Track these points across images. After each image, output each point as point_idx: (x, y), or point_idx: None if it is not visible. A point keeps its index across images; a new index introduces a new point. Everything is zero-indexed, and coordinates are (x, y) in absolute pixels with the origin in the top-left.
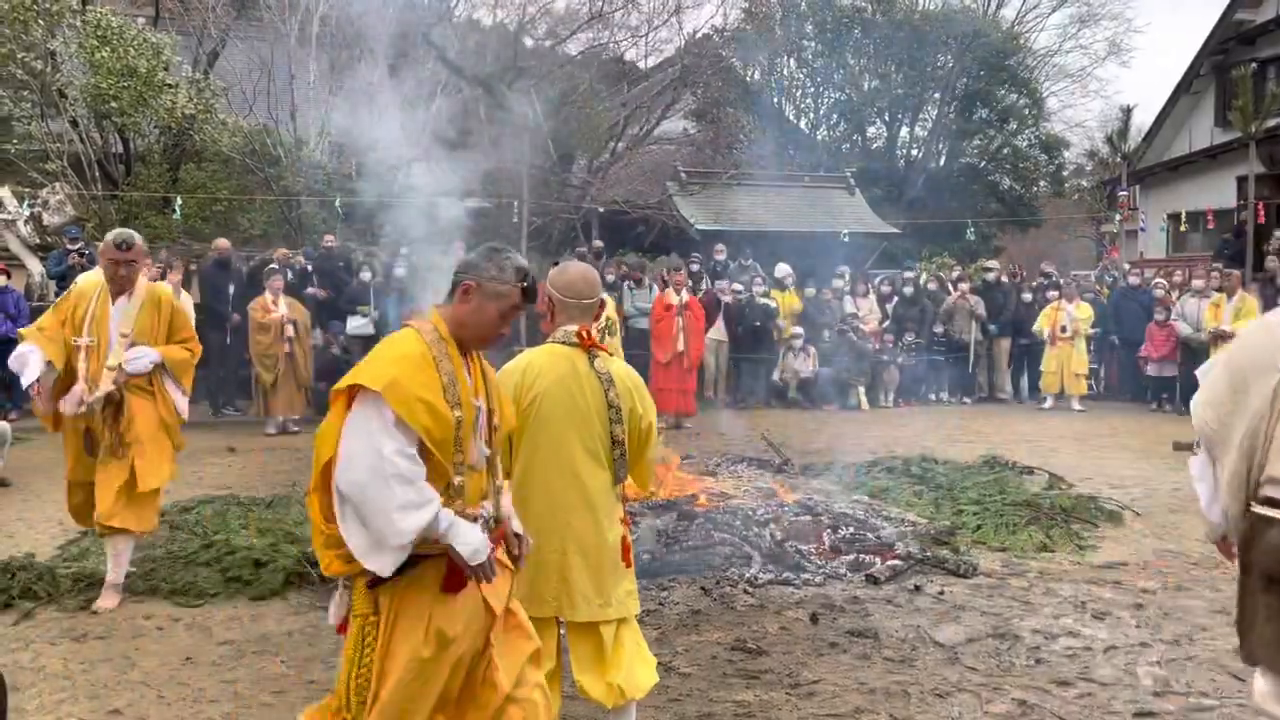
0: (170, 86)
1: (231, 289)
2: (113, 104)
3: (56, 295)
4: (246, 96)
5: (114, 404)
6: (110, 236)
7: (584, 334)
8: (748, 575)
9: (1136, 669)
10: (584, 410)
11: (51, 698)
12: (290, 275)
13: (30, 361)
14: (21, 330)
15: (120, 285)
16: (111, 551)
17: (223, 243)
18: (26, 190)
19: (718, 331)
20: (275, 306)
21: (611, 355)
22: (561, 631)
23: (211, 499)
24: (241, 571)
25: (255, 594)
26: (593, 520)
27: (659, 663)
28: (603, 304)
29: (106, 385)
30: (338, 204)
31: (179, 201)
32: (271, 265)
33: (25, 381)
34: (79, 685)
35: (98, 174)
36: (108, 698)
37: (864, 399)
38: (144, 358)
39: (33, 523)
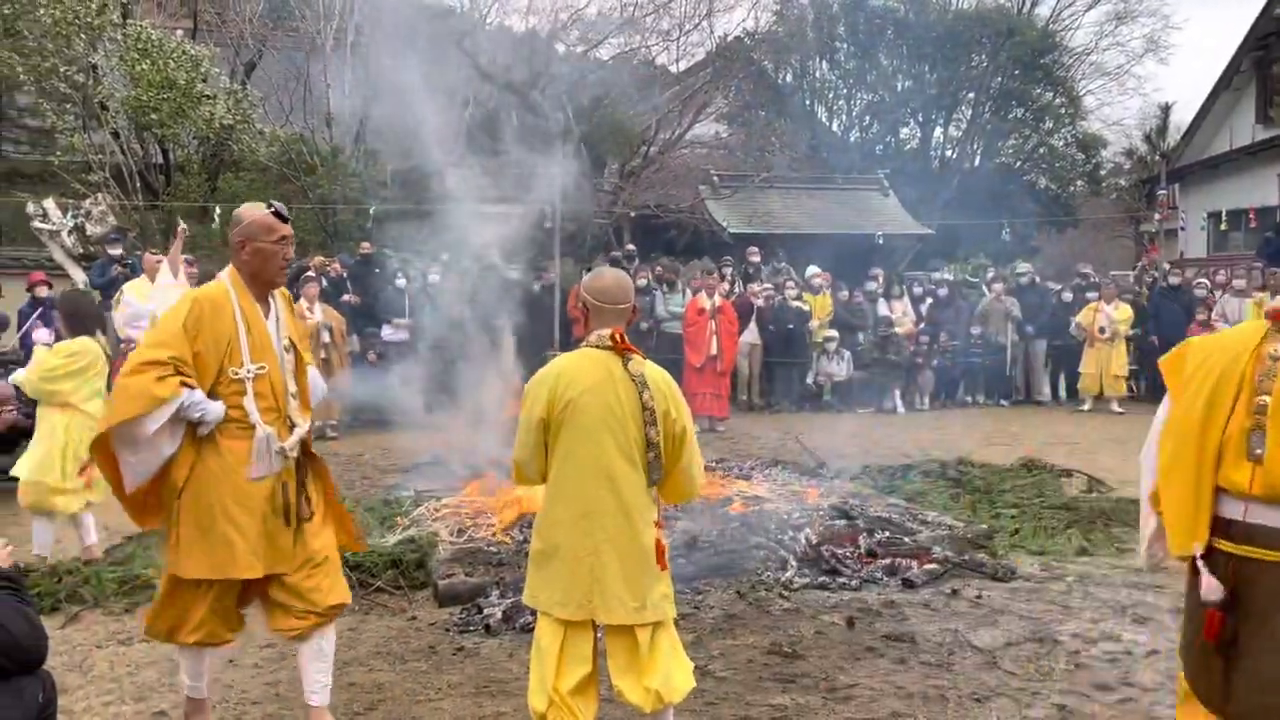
0: (209, 98)
1: None
2: (153, 116)
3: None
4: (283, 106)
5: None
6: (253, 208)
7: (617, 337)
8: (783, 579)
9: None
10: (619, 413)
11: (99, 699)
12: (326, 282)
13: (212, 411)
14: (144, 368)
15: (274, 279)
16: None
17: None
18: (70, 201)
19: (751, 335)
20: (310, 313)
21: (645, 358)
22: (599, 635)
23: None
24: None
25: None
26: (627, 523)
27: (695, 666)
28: (636, 309)
29: (303, 425)
30: (372, 211)
31: (217, 210)
32: (308, 272)
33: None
34: (125, 688)
35: (138, 185)
36: (153, 700)
37: (899, 402)
38: (318, 387)
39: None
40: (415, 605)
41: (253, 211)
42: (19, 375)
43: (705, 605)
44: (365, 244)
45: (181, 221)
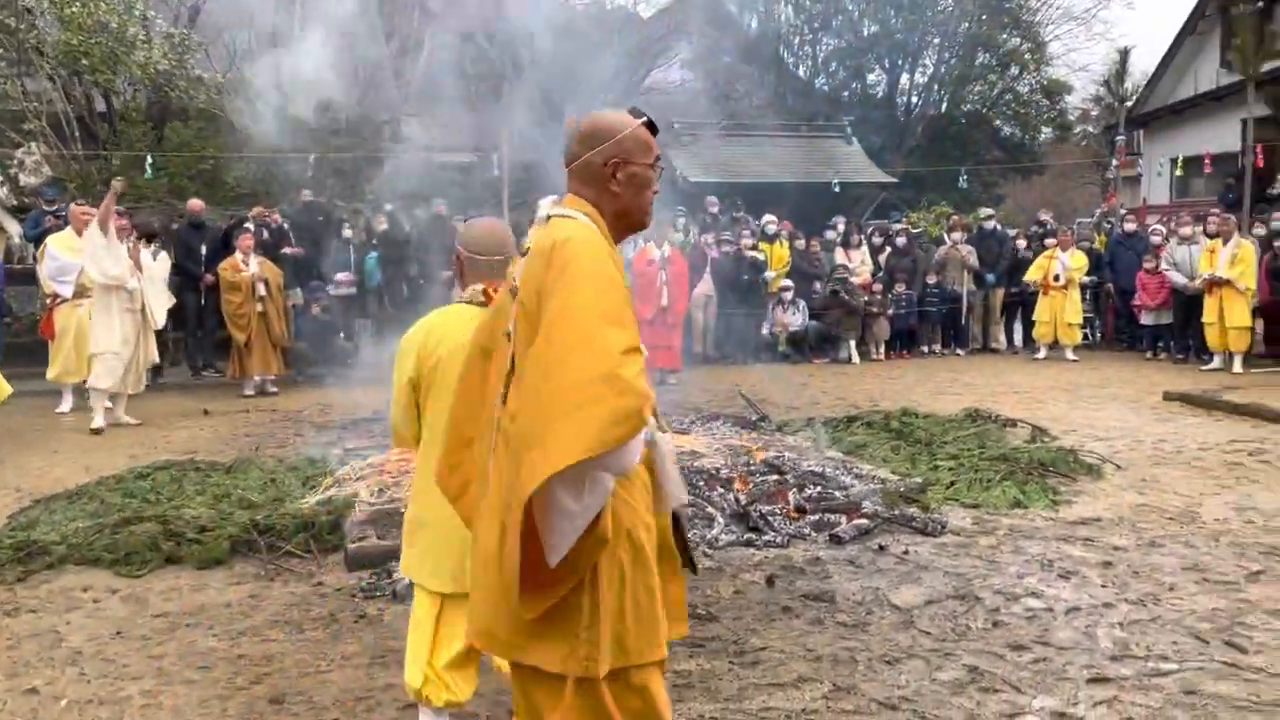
0: (144, 42)
1: (204, 249)
2: (84, 61)
3: (34, 259)
4: (230, 53)
5: None
6: (620, 116)
7: (491, 292)
8: (708, 537)
9: (1096, 631)
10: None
11: None
12: (267, 234)
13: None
14: (632, 357)
15: (644, 220)
16: None
17: (196, 204)
18: (2, 151)
19: (705, 286)
20: (245, 265)
21: None
22: None
23: (171, 464)
24: (186, 539)
25: (199, 563)
26: None
27: None
28: (516, 262)
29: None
30: (311, 159)
31: (150, 161)
32: (245, 224)
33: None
34: (1, 662)
35: (77, 133)
36: (27, 675)
37: (854, 352)
38: None
39: None
40: (324, 570)
41: (623, 121)
42: None
43: None
44: (305, 192)
45: (117, 178)
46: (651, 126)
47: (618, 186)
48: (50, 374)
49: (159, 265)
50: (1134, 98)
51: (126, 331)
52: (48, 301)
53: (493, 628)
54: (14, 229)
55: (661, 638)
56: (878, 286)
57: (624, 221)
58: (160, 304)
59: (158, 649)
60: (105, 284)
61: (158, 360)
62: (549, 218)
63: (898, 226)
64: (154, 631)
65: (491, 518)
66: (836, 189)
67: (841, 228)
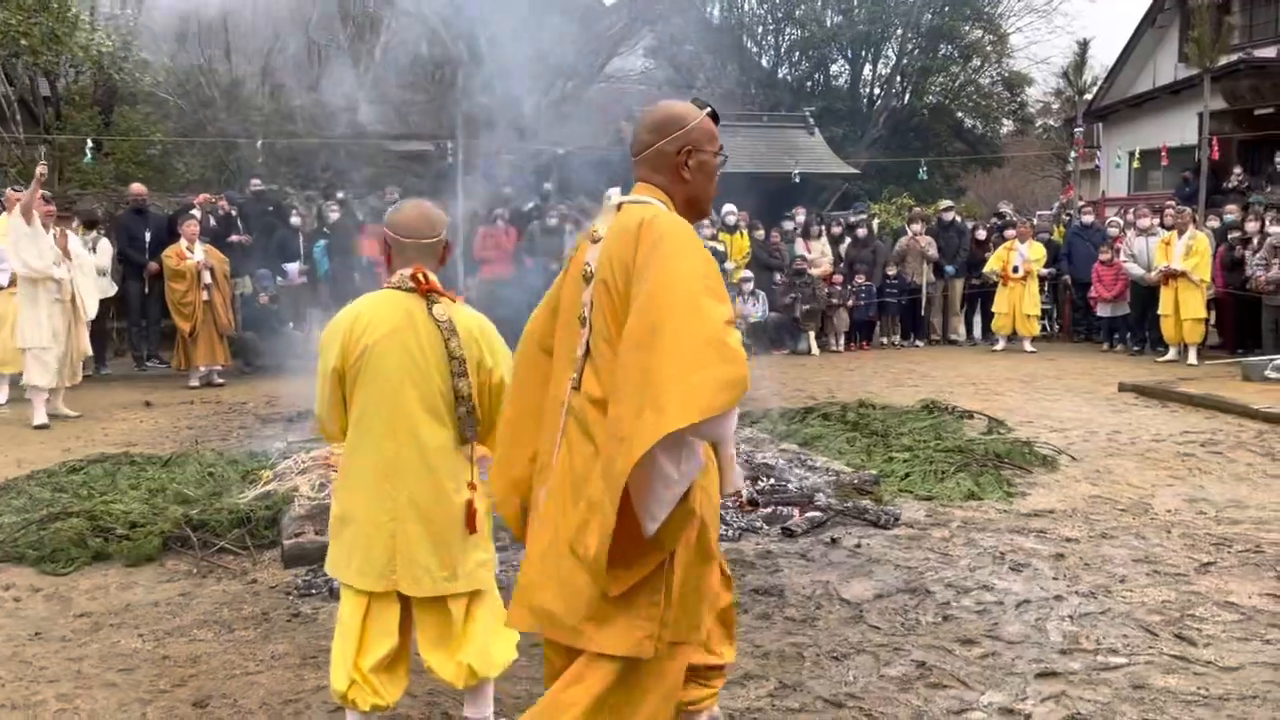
0: (86, 23)
1: (149, 236)
2: (24, 42)
3: None
4: (180, 35)
5: None
6: (688, 107)
7: (420, 277)
8: None
9: (1047, 624)
10: (420, 362)
11: None
12: (214, 221)
13: None
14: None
15: (708, 209)
16: None
17: (138, 188)
18: None
19: None
20: (190, 253)
21: (456, 300)
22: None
23: (105, 457)
24: (115, 536)
25: (129, 560)
26: (432, 484)
27: None
28: (448, 246)
29: None
30: (259, 144)
31: (90, 145)
32: (191, 210)
33: None
34: None
35: (19, 116)
36: None
37: (814, 343)
38: None
39: None
40: (260, 567)
41: (691, 111)
42: None
43: None
44: (255, 180)
45: (41, 163)
46: (714, 117)
47: (688, 173)
48: None
49: (92, 254)
50: (1093, 90)
51: (56, 324)
52: None
53: (555, 611)
54: None
55: (703, 622)
56: (838, 278)
57: (693, 208)
58: (92, 294)
59: (78, 650)
60: (29, 275)
61: (89, 352)
62: (619, 206)
63: (857, 217)
64: (75, 632)
65: (563, 500)
66: (798, 179)
67: (801, 218)
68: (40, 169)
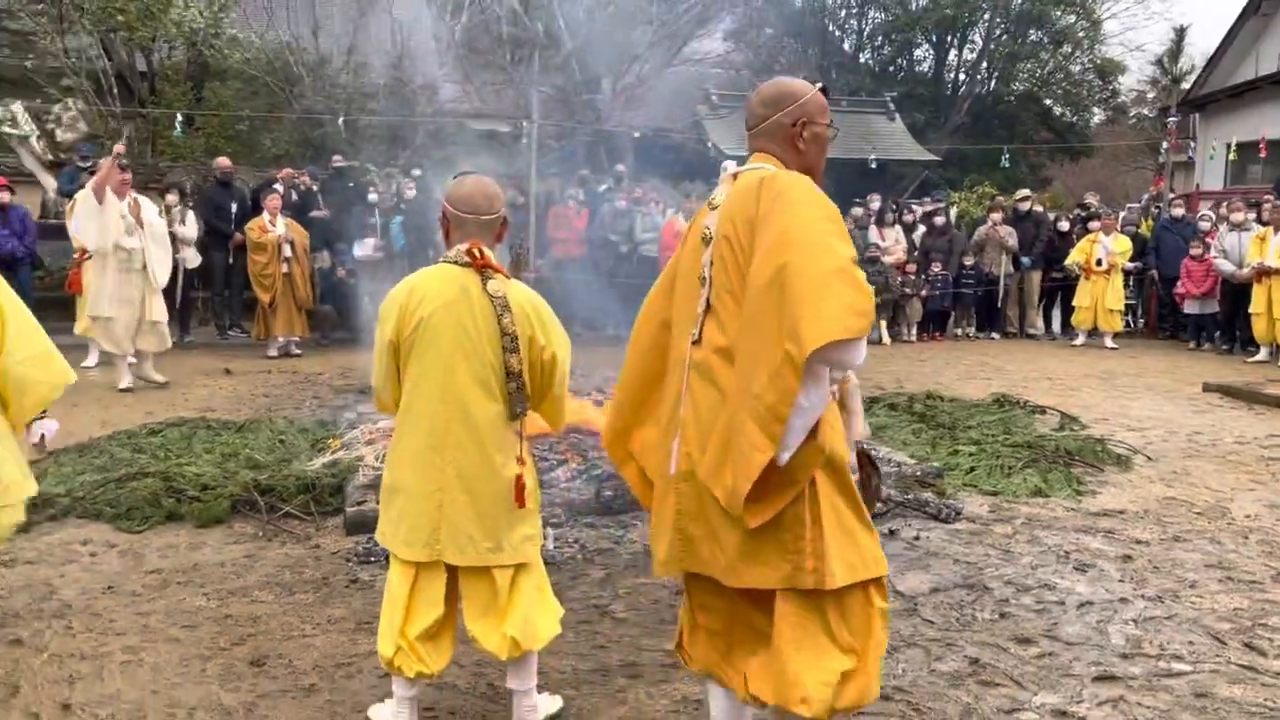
0: (179, 0)
1: (234, 208)
2: (119, 18)
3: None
4: (268, 12)
5: None
6: (799, 82)
7: (476, 252)
8: None
9: (1108, 627)
10: (474, 336)
11: None
12: (296, 196)
13: None
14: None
15: (821, 179)
16: None
17: (223, 161)
18: (40, 106)
19: None
20: (272, 226)
21: (510, 278)
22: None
23: (183, 421)
24: (187, 497)
25: (199, 521)
26: (481, 456)
27: (598, 606)
28: (505, 223)
29: None
30: (341, 122)
31: (180, 119)
32: (273, 185)
33: None
34: None
35: (116, 90)
36: (14, 626)
37: (885, 333)
38: None
39: None
40: (322, 533)
41: (805, 86)
42: None
43: (626, 541)
44: (337, 156)
45: (118, 142)
46: (825, 92)
47: (803, 144)
48: (77, 328)
49: (182, 226)
50: (1190, 79)
51: (127, 292)
52: (76, 256)
53: (713, 554)
54: (49, 184)
55: (880, 555)
56: (912, 266)
57: (809, 178)
58: (164, 263)
59: (147, 605)
60: (98, 248)
61: (162, 319)
62: (735, 175)
63: (934, 206)
64: (145, 588)
65: (693, 448)
66: (874, 165)
67: (875, 205)
68: (117, 148)
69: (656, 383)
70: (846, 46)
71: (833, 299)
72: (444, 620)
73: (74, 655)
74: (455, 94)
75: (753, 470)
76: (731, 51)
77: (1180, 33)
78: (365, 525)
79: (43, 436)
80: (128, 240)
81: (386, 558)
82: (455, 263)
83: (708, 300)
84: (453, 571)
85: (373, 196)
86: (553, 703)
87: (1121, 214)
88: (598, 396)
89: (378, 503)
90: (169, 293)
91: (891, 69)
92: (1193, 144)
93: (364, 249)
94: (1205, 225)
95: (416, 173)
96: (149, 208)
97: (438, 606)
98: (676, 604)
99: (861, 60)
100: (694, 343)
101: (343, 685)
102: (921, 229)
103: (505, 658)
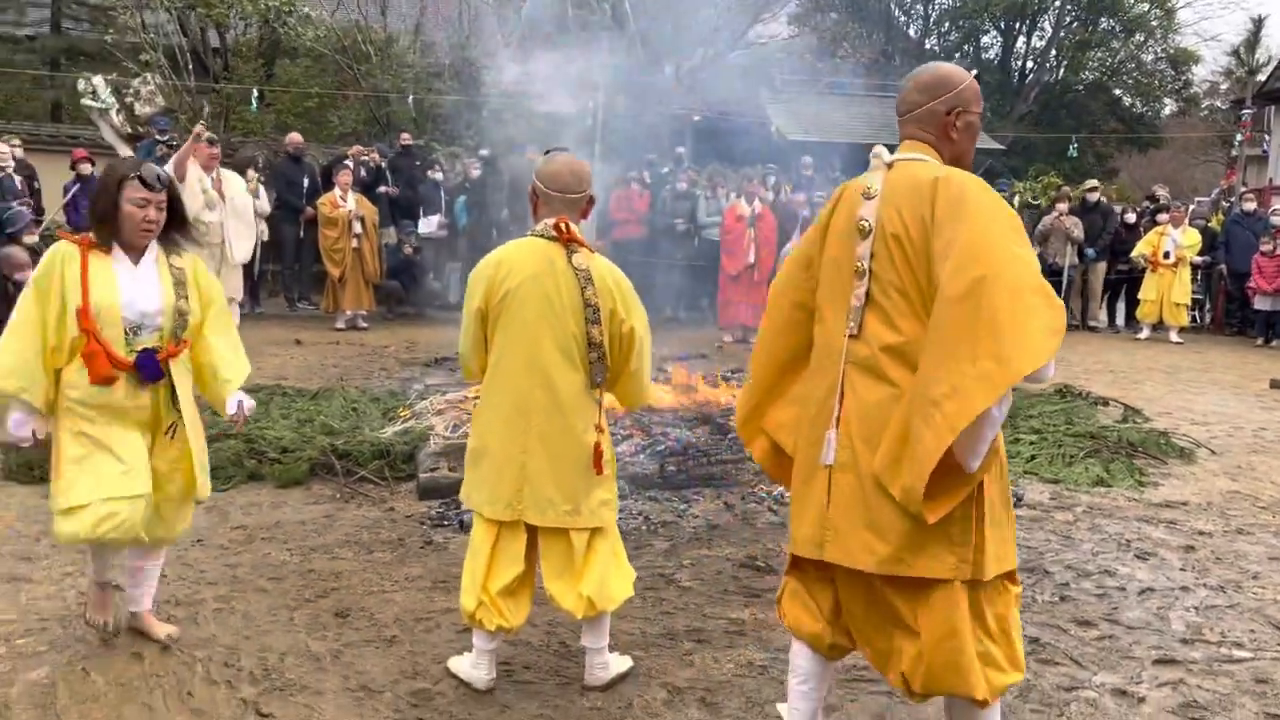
0: None
1: (306, 183)
2: None
3: None
4: None
5: None
6: (955, 69)
7: (563, 226)
8: (775, 492)
9: (1169, 613)
10: (557, 307)
11: (59, 570)
12: (365, 172)
13: None
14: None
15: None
16: None
17: (295, 137)
18: (119, 79)
19: (795, 245)
20: (343, 201)
21: (594, 253)
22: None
23: (260, 388)
24: (268, 459)
25: (279, 482)
26: (563, 422)
27: (663, 575)
28: (591, 201)
29: None
30: (410, 100)
31: (255, 95)
32: (344, 161)
33: None
34: (88, 560)
35: (191, 66)
36: (112, 574)
37: None
38: None
39: None
40: (396, 497)
41: (961, 73)
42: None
43: (689, 515)
44: (405, 135)
45: (201, 122)
46: (978, 79)
47: (956, 133)
48: None
49: (258, 199)
50: (1267, 71)
51: None
52: None
53: (873, 545)
54: (128, 156)
55: (1015, 545)
56: None
57: (958, 165)
58: (243, 238)
59: (234, 558)
60: None
61: (236, 297)
62: (890, 164)
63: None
64: (231, 542)
65: (858, 443)
66: None
67: None
68: (198, 128)
69: (793, 364)
70: (912, 32)
71: (1035, 321)
72: (523, 577)
73: (169, 601)
74: (519, 75)
75: (925, 471)
76: (796, 36)
77: (1258, 23)
78: (437, 491)
79: (240, 404)
80: (207, 214)
81: (460, 523)
82: (542, 236)
83: (868, 293)
84: (533, 532)
85: (438, 175)
86: (623, 662)
87: (1191, 207)
88: (658, 377)
89: (449, 470)
90: (247, 267)
91: (958, 55)
92: (1267, 137)
93: (429, 226)
94: (1277, 220)
95: (484, 153)
96: (234, 183)
97: (518, 564)
98: (739, 576)
99: (927, 46)
100: (851, 336)
101: (423, 638)
102: None
103: (580, 616)
